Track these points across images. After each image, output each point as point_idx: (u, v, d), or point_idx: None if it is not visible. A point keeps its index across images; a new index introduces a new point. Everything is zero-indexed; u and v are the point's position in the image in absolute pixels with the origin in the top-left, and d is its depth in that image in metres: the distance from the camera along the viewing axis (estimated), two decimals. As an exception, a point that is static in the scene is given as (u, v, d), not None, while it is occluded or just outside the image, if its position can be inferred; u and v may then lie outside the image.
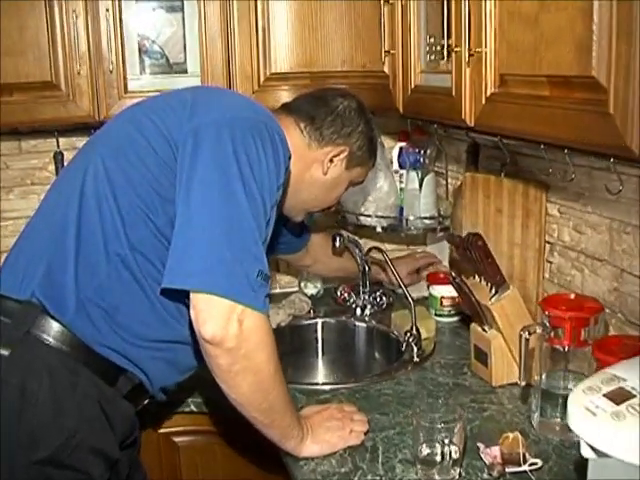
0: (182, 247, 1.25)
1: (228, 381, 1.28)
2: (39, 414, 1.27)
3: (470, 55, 1.35)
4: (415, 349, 1.85)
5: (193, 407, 1.71)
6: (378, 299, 2.11)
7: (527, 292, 1.75)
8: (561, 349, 1.44)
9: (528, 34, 1.20)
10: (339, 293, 2.18)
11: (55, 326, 1.31)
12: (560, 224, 1.71)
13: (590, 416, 0.97)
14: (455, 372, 1.78)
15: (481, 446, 1.41)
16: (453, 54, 1.43)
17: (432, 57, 1.62)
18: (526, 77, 1.23)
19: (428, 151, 2.16)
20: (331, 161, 1.61)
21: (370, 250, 2.05)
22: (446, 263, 2.26)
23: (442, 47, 1.57)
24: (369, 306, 2.12)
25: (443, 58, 1.56)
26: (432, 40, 1.62)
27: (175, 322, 1.38)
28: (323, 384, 1.76)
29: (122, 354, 1.36)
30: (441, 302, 2.06)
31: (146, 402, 1.48)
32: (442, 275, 2.10)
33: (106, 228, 1.33)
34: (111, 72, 1.85)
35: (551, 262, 1.76)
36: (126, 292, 1.34)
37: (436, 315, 2.07)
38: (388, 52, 1.76)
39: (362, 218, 2.18)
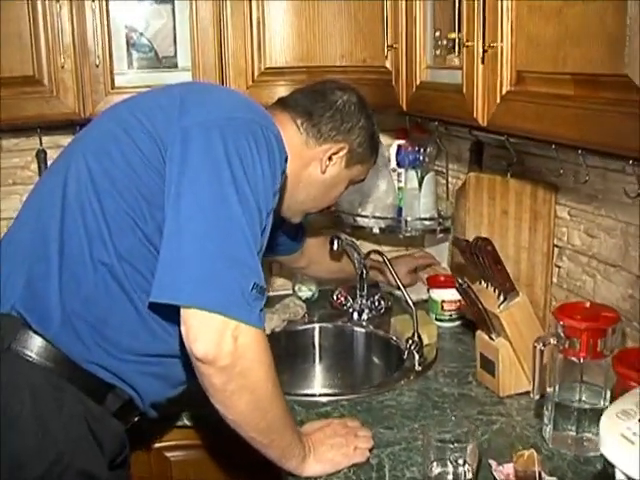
0: (171, 258, 1.17)
1: (223, 401, 1.20)
2: (23, 437, 1.18)
3: (484, 50, 1.27)
4: (417, 357, 1.78)
5: (186, 421, 1.62)
6: (376, 303, 2.03)
7: (535, 297, 1.69)
8: (576, 361, 1.37)
9: (550, 29, 1.12)
10: (335, 297, 2.10)
11: (38, 341, 1.22)
12: (570, 227, 1.64)
13: (628, 444, 0.89)
14: (460, 381, 1.70)
15: (493, 464, 1.34)
16: (464, 49, 1.35)
17: (439, 52, 1.54)
18: (547, 75, 1.15)
19: (428, 149, 2.08)
20: (330, 159, 1.52)
21: (369, 253, 1.97)
22: (445, 265, 2.19)
23: (450, 41, 1.49)
24: (367, 310, 2.04)
25: (453, 53, 1.48)
26: (438, 34, 1.54)
27: (166, 335, 1.29)
28: (322, 395, 1.68)
29: (110, 370, 1.27)
30: (442, 306, 1.99)
31: (136, 419, 1.39)
32: (443, 278, 2.03)
33: (91, 235, 1.24)
34: (97, 66, 1.75)
35: (559, 266, 1.69)
36: (114, 304, 1.25)
37: (437, 320, 2.00)
38: (391, 47, 1.68)
39: (359, 219, 2.09)
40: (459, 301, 1.99)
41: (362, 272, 2.02)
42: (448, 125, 1.93)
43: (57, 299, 1.23)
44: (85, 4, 1.72)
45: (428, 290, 2.03)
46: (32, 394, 1.20)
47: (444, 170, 2.10)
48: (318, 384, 2.00)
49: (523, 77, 1.22)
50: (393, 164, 2.15)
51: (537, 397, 1.42)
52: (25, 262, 1.26)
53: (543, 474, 1.29)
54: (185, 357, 1.25)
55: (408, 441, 1.45)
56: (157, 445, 1.65)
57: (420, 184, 2.08)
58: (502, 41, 1.24)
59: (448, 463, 1.27)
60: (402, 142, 2.14)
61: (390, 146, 2.16)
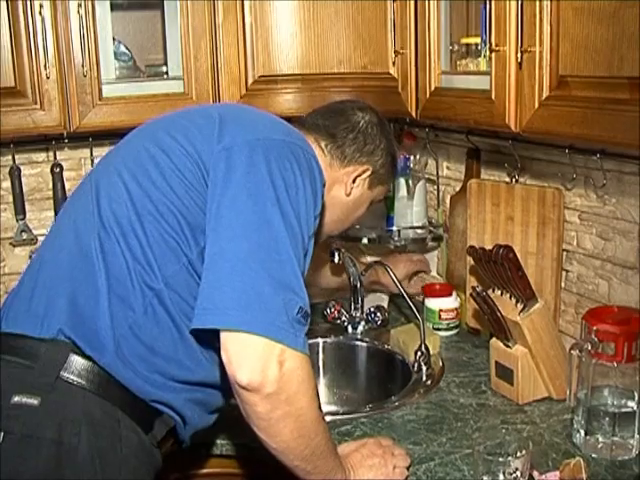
0: (214, 281, 1.11)
1: (267, 429, 1.14)
2: (81, 472, 1.10)
3: (521, 54, 1.25)
4: (425, 368, 1.75)
5: (215, 450, 1.52)
6: (372, 315, 1.98)
7: (545, 303, 1.67)
8: (610, 365, 1.37)
9: (603, 31, 1.10)
10: (329, 310, 2.04)
11: (89, 367, 1.15)
12: (581, 231, 1.64)
13: None
14: (474, 391, 1.67)
15: (536, 474, 1.31)
16: (493, 54, 1.32)
17: (454, 57, 1.51)
18: (597, 79, 1.13)
19: (417, 157, 2.06)
20: (354, 181, 1.49)
21: (370, 265, 1.93)
22: (434, 273, 2.17)
23: (464, 46, 1.47)
24: (363, 323, 1.99)
25: (467, 57, 1.46)
26: (450, 39, 1.51)
27: (209, 363, 1.23)
28: (340, 414, 1.61)
29: (158, 397, 1.20)
30: (440, 315, 1.96)
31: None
32: (438, 287, 2.00)
33: (136, 259, 1.18)
34: (85, 76, 1.64)
35: (568, 271, 1.69)
36: (161, 331, 1.18)
37: (434, 329, 1.97)
38: (398, 52, 1.64)
39: (350, 230, 2.04)
40: (456, 309, 1.98)
41: (357, 285, 1.97)
42: (435, 131, 1.93)
43: (108, 323, 1.16)
44: (70, 11, 1.62)
45: (423, 300, 2.00)
46: (89, 425, 1.13)
47: (434, 178, 2.08)
48: (322, 400, 1.94)
49: (566, 81, 1.20)
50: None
51: (573, 404, 1.41)
52: (66, 285, 1.18)
53: (590, 482, 1.28)
54: (225, 384, 1.20)
55: (441, 456, 1.41)
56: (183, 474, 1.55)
57: (409, 192, 2.05)
58: (541, 45, 1.22)
59: (500, 476, 1.24)
60: (390, 150, 2.10)
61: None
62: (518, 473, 1.23)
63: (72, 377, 1.14)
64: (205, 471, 1.53)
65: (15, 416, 1.11)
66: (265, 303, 1.09)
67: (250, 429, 1.16)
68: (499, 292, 1.62)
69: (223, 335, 1.09)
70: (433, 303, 1.98)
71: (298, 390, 1.12)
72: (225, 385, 1.22)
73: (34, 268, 1.26)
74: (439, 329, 1.97)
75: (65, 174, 1.96)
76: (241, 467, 1.52)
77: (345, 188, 1.49)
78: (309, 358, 1.15)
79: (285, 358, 1.09)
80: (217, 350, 1.14)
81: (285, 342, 1.09)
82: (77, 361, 1.15)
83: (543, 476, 1.31)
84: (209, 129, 1.23)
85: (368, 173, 1.50)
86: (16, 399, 1.12)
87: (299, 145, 1.26)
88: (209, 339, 1.16)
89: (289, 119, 1.41)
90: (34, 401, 1.11)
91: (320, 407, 1.21)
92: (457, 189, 2.00)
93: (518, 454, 1.25)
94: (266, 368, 1.08)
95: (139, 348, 1.17)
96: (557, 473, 1.30)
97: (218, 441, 1.51)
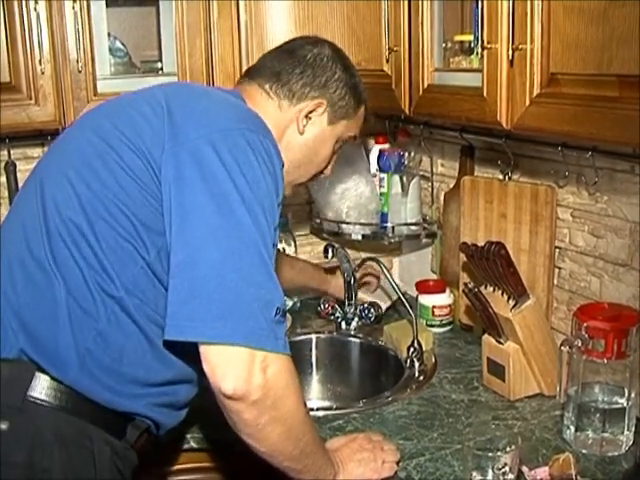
0: (187, 291, 1.07)
1: (255, 434, 1.12)
2: None
3: (513, 51, 1.25)
4: (417, 364, 1.76)
5: (193, 444, 1.53)
6: (366, 312, 1.99)
7: (537, 299, 1.68)
8: (600, 361, 1.38)
9: (593, 30, 1.11)
10: (322, 306, 2.05)
11: (55, 386, 1.12)
12: (573, 228, 1.65)
13: None
14: (466, 387, 1.68)
15: (525, 469, 1.32)
16: (485, 51, 1.33)
17: (448, 54, 1.52)
18: (587, 76, 1.14)
19: (412, 153, 2.06)
20: (307, 117, 1.39)
21: (364, 261, 1.93)
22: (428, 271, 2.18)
23: (457, 43, 1.47)
24: (356, 319, 2.00)
25: (460, 55, 1.47)
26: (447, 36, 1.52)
27: (178, 361, 1.21)
28: (333, 409, 1.62)
29: (129, 404, 1.18)
30: (433, 312, 1.97)
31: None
32: (432, 283, 2.01)
33: (92, 268, 1.13)
34: (80, 71, 1.65)
35: (560, 268, 1.70)
36: (127, 338, 1.15)
37: (427, 325, 1.97)
38: (392, 49, 1.64)
39: (344, 226, 2.05)
40: (450, 306, 1.98)
41: (351, 281, 1.98)
42: (429, 128, 1.93)
43: (69, 340, 1.12)
44: (65, 7, 1.62)
45: (417, 297, 2.01)
46: (61, 445, 1.10)
47: (428, 174, 2.08)
48: (315, 396, 1.95)
49: (557, 79, 1.21)
50: (373, 169, 2.12)
51: (564, 400, 1.42)
52: (19, 301, 1.14)
53: (579, 477, 1.29)
54: (194, 376, 1.22)
55: (431, 451, 1.42)
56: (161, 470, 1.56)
57: (403, 188, 2.06)
58: (532, 43, 1.23)
59: (489, 471, 1.25)
60: (385, 146, 2.11)
61: (371, 151, 2.13)
62: (507, 468, 1.24)
63: (40, 397, 1.11)
64: (180, 467, 1.54)
65: None
66: (242, 311, 1.07)
67: (224, 422, 1.14)
68: (491, 289, 1.63)
69: (203, 347, 1.07)
70: (426, 299, 1.98)
71: (283, 394, 1.11)
72: (194, 377, 1.22)
73: None
74: (432, 325, 1.98)
75: (60, 169, 1.96)
76: (215, 460, 1.53)
77: (298, 126, 1.38)
78: (291, 357, 1.13)
79: (268, 364, 1.08)
80: (186, 345, 1.10)
81: (267, 348, 1.08)
82: (43, 380, 1.12)
83: (532, 471, 1.32)
84: (157, 120, 1.17)
85: (323, 107, 1.39)
86: None
87: (253, 130, 1.18)
88: (179, 341, 1.12)
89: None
90: (2, 426, 1.08)
91: (307, 409, 1.20)
92: (451, 186, 2.01)
93: (507, 449, 1.26)
94: (250, 376, 1.06)
95: (105, 360, 1.14)
96: (546, 469, 1.31)
97: (194, 435, 1.51)
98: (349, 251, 2.10)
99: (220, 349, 1.06)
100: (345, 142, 1.50)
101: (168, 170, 1.12)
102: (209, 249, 1.08)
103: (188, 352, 1.11)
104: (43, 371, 1.12)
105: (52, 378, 1.12)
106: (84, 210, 1.14)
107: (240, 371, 1.06)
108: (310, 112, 1.39)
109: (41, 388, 1.11)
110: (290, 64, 1.38)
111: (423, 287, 2.00)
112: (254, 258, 1.10)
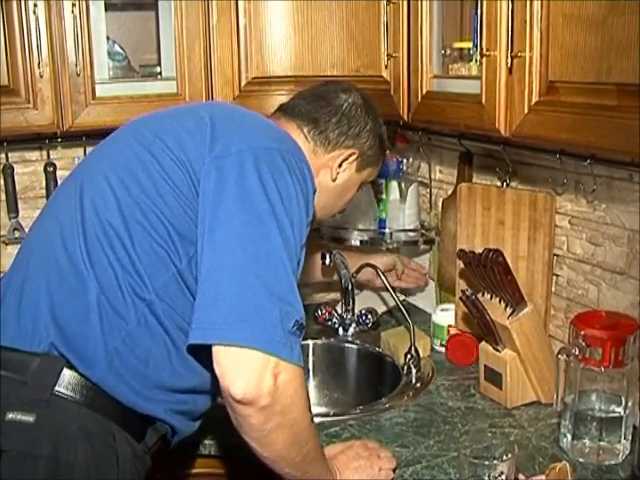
0: (211, 295, 1.10)
1: (260, 439, 1.13)
2: None
3: (511, 59, 1.25)
4: (414, 371, 1.75)
5: (202, 449, 1.52)
6: (363, 318, 1.99)
7: (535, 307, 1.68)
8: (597, 370, 1.37)
9: (592, 38, 1.11)
10: (320, 312, 2.04)
11: (82, 382, 1.14)
12: (571, 236, 1.65)
13: None
14: (463, 395, 1.68)
15: (522, 478, 1.32)
16: (484, 59, 1.33)
17: (446, 61, 1.52)
18: (586, 85, 1.14)
19: (410, 160, 2.06)
20: (340, 166, 1.46)
21: (362, 267, 1.93)
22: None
23: (457, 50, 1.47)
24: (354, 325, 2.00)
25: (459, 62, 1.47)
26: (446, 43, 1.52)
27: (202, 369, 1.22)
28: (329, 416, 1.62)
29: (152, 407, 1.20)
30: (448, 331, 1.87)
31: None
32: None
33: (126, 270, 1.15)
34: (78, 75, 1.64)
35: (558, 275, 1.70)
36: (154, 341, 1.17)
37: (442, 346, 1.87)
38: (390, 55, 1.64)
39: (342, 232, 2.05)
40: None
41: (348, 287, 1.98)
42: (428, 134, 1.93)
43: (99, 337, 1.14)
44: (65, 10, 1.62)
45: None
46: (86, 441, 1.12)
47: (426, 181, 2.08)
48: (312, 402, 1.93)
49: (556, 87, 1.21)
50: (371, 175, 2.11)
51: (560, 408, 1.41)
52: (52, 298, 1.16)
53: (576, 487, 1.29)
54: (214, 388, 1.21)
55: (428, 459, 1.41)
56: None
57: (401, 194, 2.06)
58: (531, 51, 1.23)
59: (486, 479, 1.25)
60: (382, 153, 2.10)
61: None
62: (504, 477, 1.24)
63: (66, 392, 1.13)
64: (191, 471, 1.53)
65: (10, 434, 1.10)
66: (262, 317, 1.08)
67: (235, 430, 1.15)
68: (488, 296, 1.63)
69: (216, 349, 1.08)
70: (440, 317, 1.90)
71: (292, 401, 1.12)
72: (214, 389, 1.22)
73: (19, 273, 1.22)
74: (446, 346, 1.85)
75: (58, 173, 1.95)
76: (225, 467, 1.52)
77: (331, 173, 1.45)
78: (302, 369, 1.14)
79: (280, 371, 1.08)
80: (211, 354, 1.11)
81: (282, 355, 1.09)
82: (70, 376, 1.14)
83: (529, 480, 1.32)
84: (201, 135, 1.21)
85: (355, 156, 1.46)
86: (10, 416, 1.10)
87: (291, 152, 1.24)
88: (204, 348, 1.13)
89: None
90: (29, 418, 1.10)
91: (312, 417, 1.21)
92: (449, 192, 2.00)
93: (504, 458, 1.26)
94: (261, 381, 1.07)
95: (132, 361, 1.16)
96: (543, 477, 1.31)
97: (205, 441, 1.50)
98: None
99: (234, 351, 1.07)
100: (364, 185, 1.58)
101: (208, 183, 1.16)
102: (235, 255, 1.11)
103: (212, 362, 1.12)
104: (71, 367, 1.14)
105: (80, 374, 1.14)
106: (122, 213, 1.17)
107: (252, 375, 1.07)
108: (343, 160, 1.46)
109: (68, 383, 1.13)
110: (327, 113, 1.44)
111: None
112: (278, 269, 1.12)
